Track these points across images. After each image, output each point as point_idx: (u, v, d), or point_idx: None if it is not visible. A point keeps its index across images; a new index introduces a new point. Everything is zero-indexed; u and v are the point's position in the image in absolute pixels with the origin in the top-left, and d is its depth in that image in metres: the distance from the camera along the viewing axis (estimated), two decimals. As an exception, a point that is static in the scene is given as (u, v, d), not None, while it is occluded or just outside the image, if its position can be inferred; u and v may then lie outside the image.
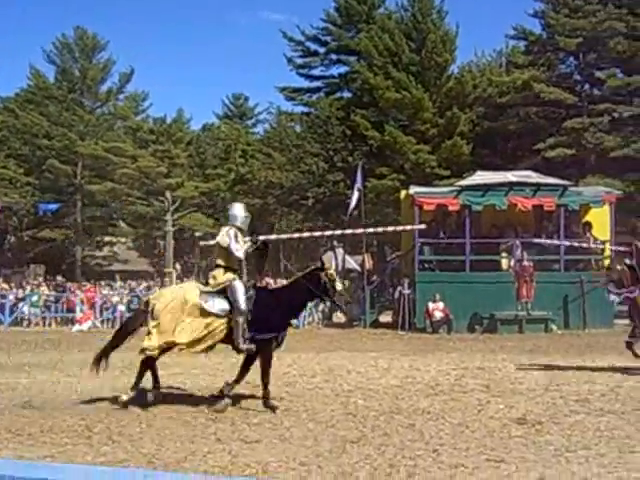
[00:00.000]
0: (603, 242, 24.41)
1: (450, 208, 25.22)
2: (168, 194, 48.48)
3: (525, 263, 23.73)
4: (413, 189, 26.68)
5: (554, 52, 40.68)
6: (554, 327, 23.43)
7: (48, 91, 49.01)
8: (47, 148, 47.43)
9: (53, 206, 45.27)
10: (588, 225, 25.19)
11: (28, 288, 30.79)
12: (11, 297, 29.11)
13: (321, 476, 6.37)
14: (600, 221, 25.05)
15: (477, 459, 6.80)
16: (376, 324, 25.69)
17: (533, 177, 26.09)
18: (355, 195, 27.60)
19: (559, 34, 38.86)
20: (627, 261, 13.35)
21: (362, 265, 28.32)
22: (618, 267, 13.25)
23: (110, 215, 50.15)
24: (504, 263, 25.15)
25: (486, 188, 24.95)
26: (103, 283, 31.95)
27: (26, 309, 28.77)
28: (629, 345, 12.98)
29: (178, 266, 43.05)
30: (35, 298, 29.00)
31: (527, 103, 40.06)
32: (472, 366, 13.64)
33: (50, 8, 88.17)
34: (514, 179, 25.43)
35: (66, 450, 7.36)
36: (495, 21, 75.94)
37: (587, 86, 40.87)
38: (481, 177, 26.64)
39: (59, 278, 34.76)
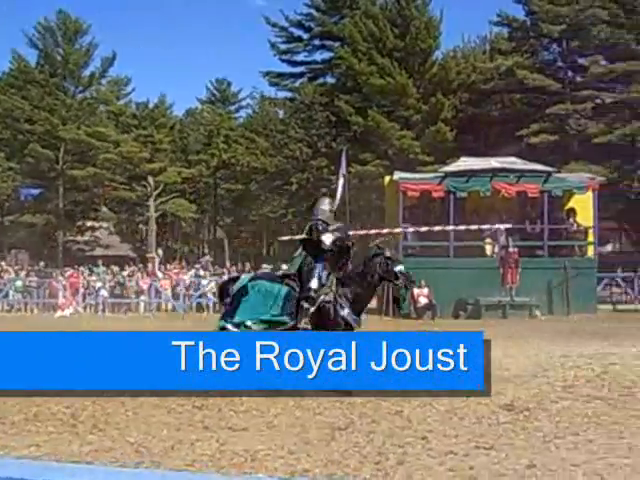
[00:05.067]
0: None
1: (434, 194, 25.24)
2: (151, 179, 48.21)
3: (510, 249, 23.81)
4: (397, 175, 26.68)
5: (537, 39, 40.74)
6: (538, 313, 23.56)
7: (30, 75, 48.40)
8: (29, 132, 46.94)
9: (35, 191, 44.96)
10: (572, 211, 25.31)
11: (11, 272, 30.62)
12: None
13: (310, 464, 6.33)
14: (583, 207, 25.19)
15: (467, 446, 6.78)
16: (360, 310, 25.64)
17: (517, 163, 26.18)
18: (340, 182, 27.50)
19: (542, 21, 38.93)
20: None
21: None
22: None
23: (92, 200, 49.79)
24: (488, 249, 25.24)
25: (470, 174, 25.00)
26: (84, 269, 31.70)
27: (10, 294, 28.67)
28: None
29: (160, 252, 42.81)
30: (19, 283, 28.85)
31: (511, 89, 40.12)
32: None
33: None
34: (498, 165, 25.51)
35: (51, 439, 7.26)
36: (479, 7, 75.72)
37: (570, 73, 40.92)
38: (465, 163, 26.69)
39: (41, 263, 34.49)
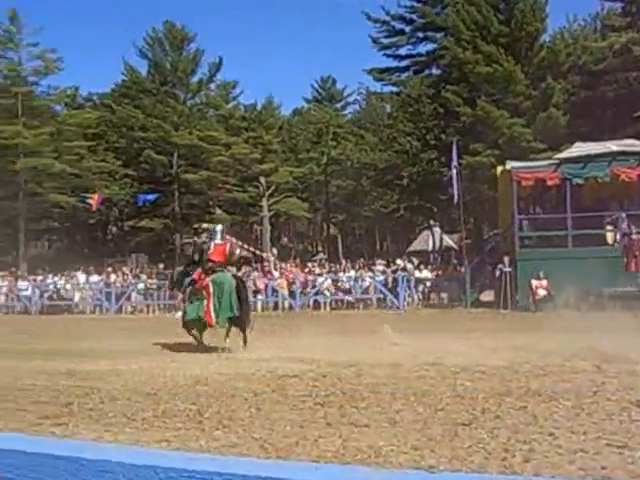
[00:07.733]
0: None
1: (549, 182, 24.60)
2: (262, 180, 49.04)
3: (634, 236, 22.94)
4: (510, 164, 26.10)
5: (654, 12, 39.17)
6: (667, 302, 22.49)
7: (142, 85, 50.29)
8: (143, 140, 48.69)
9: (151, 196, 46.22)
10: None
11: (130, 276, 31.68)
12: (118, 285, 30.15)
13: (435, 460, 6.25)
14: None
15: (597, 444, 6.53)
16: (477, 303, 25.32)
17: (637, 145, 25.12)
18: (452, 174, 27.26)
19: (659, -7, 37.44)
20: None
21: (459, 243, 28.02)
22: None
23: (207, 203, 50.99)
24: (609, 237, 24.34)
25: (587, 160, 24.20)
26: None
27: (133, 296, 29.76)
28: None
29: (275, 251, 43.34)
30: (141, 286, 29.89)
31: (626, 68, 38.65)
32: (581, 346, 13.18)
33: (139, 5, 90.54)
34: (616, 149, 24.54)
35: (180, 435, 7.44)
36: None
37: (692, 46, 39.14)
38: (580, 148, 25.83)
39: (160, 266, 35.53)
